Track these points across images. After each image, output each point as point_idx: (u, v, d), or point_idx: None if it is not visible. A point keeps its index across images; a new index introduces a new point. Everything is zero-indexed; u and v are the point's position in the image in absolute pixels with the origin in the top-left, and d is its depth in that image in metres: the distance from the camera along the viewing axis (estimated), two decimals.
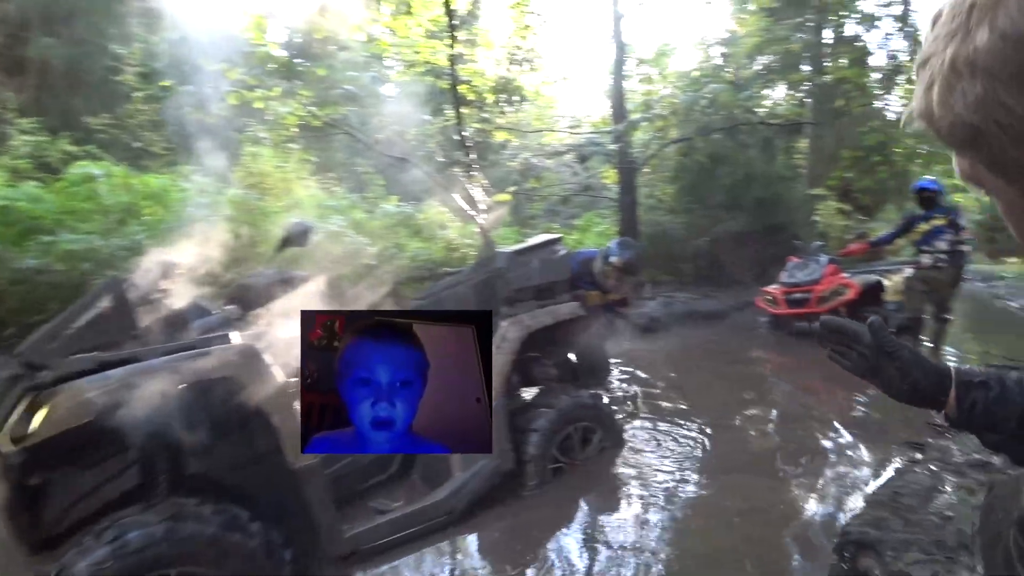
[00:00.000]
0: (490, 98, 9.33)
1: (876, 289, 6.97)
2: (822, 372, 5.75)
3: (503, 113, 10.51)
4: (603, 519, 2.80)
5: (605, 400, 3.65)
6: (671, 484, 3.10)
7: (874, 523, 2.18)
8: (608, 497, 2.99)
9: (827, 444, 3.66)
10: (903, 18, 15.34)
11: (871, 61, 14.91)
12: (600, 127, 10.72)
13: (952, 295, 6.14)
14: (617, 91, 10.05)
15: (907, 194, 15.91)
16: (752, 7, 14.00)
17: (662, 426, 4.04)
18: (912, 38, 15.56)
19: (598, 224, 14.25)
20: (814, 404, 4.57)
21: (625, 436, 3.69)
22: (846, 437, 3.76)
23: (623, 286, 4.61)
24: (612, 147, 9.33)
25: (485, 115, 10.38)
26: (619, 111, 9.99)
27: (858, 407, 4.53)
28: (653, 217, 11.50)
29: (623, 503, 2.93)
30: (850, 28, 15.01)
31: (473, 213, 7.59)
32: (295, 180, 7.56)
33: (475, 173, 7.43)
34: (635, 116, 9.85)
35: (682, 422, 4.10)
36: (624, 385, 5.25)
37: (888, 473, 3.02)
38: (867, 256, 7.86)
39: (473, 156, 7.69)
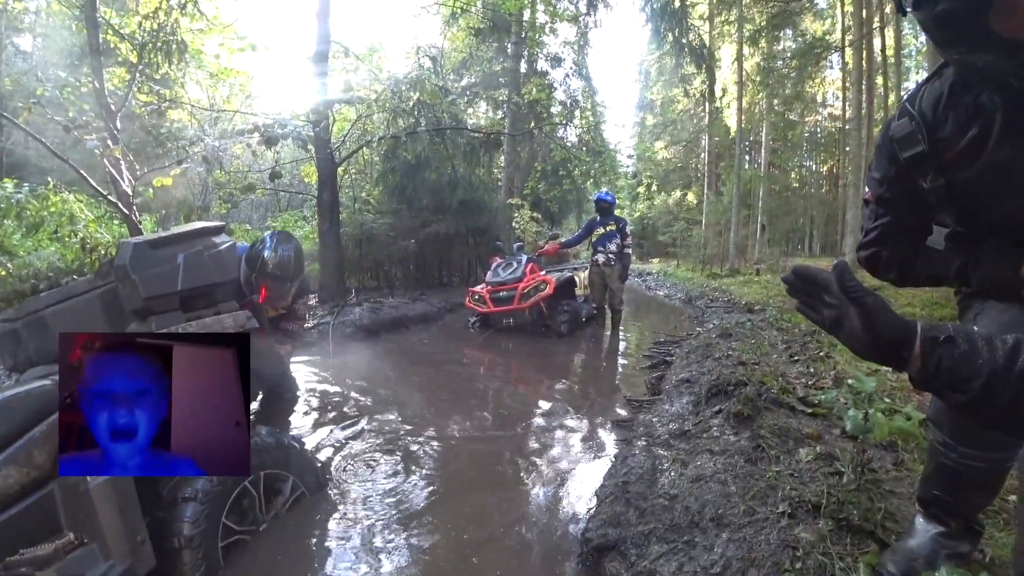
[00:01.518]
0: (161, 62, 7.28)
1: (570, 284, 7.58)
2: (531, 364, 5.91)
3: (173, 79, 8.46)
4: None
5: (291, 434, 2.66)
6: (394, 523, 2.36)
7: (612, 521, 1.89)
8: (311, 563, 2.10)
9: (550, 437, 3.44)
10: (579, 63, 17.97)
11: (555, 96, 16.96)
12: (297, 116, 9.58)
13: (621, 288, 7.10)
14: (320, 74, 9.11)
15: (584, 205, 18.81)
16: (461, 24, 14.59)
17: (378, 449, 3.29)
18: (587, 80, 18.34)
19: (301, 226, 12.95)
20: (529, 396, 4.44)
21: (331, 472, 2.85)
22: (566, 426, 3.62)
23: (280, 295, 3.47)
24: (308, 133, 8.21)
25: (155, 83, 8.30)
26: (320, 98, 9.04)
27: (567, 392, 4.61)
28: (359, 219, 10.80)
29: (333, 566, 2.09)
30: (541, 64, 16.97)
31: (115, 200, 5.64)
32: None
33: (113, 144, 5.40)
34: (335, 98, 8.91)
35: (400, 439, 3.43)
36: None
37: (610, 461, 2.86)
38: (558, 257, 8.62)
39: (116, 124, 5.68)
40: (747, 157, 21.77)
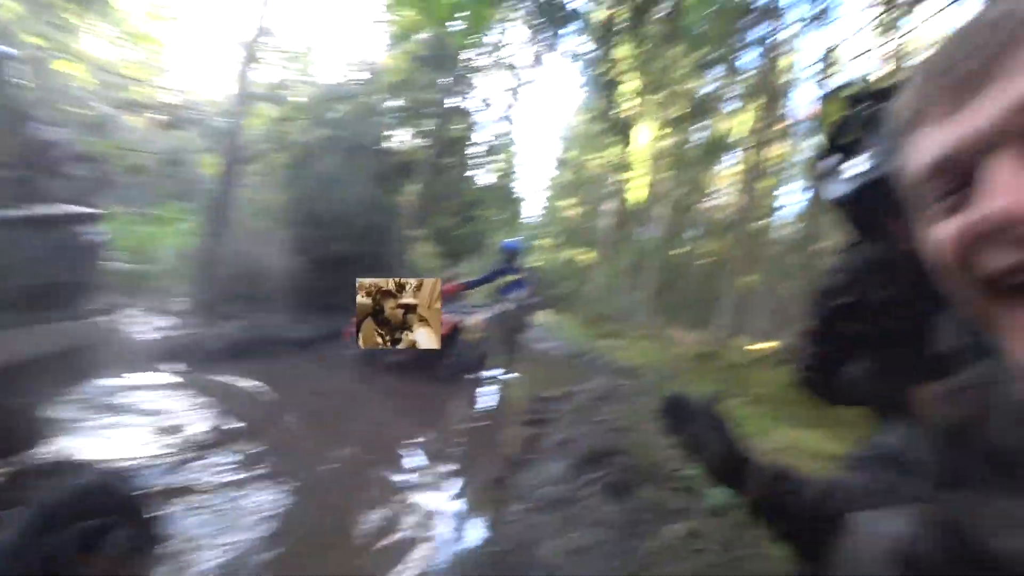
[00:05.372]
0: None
1: (460, 329, 7.39)
2: (408, 407, 5.66)
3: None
4: None
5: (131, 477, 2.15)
6: None
7: None
8: None
9: (422, 492, 3.27)
10: (509, 112, 18.51)
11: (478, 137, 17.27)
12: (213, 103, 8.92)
13: (521, 337, 7.14)
14: (246, 62, 8.52)
15: (485, 248, 18.93)
16: (406, 48, 14.49)
17: (223, 494, 2.89)
18: (512, 127, 18.92)
19: (184, 220, 11.81)
20: (402, 443, 4.22)
21: (168, 519, 2.35)
22: (440, 481, 3.48)
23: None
24: (219, 123, 7.63)
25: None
26: (241, 90, 8.47)
27: (444, 442, 4.46)
28: (253, 224, 10.01)
29: None
30: (472, 103, 17.24)
31: None
32: None
33: None
34: (258, 93, 8.43)
35: (252, 486, 3.05)
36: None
37: (485, 525, 2.78)
38: (450, 299, 8.38)
39: None
40: (646, 228, 23.21)
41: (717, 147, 17.42)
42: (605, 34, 8.82)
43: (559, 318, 21.71)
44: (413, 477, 3.56)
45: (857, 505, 0.72)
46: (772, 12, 10.60)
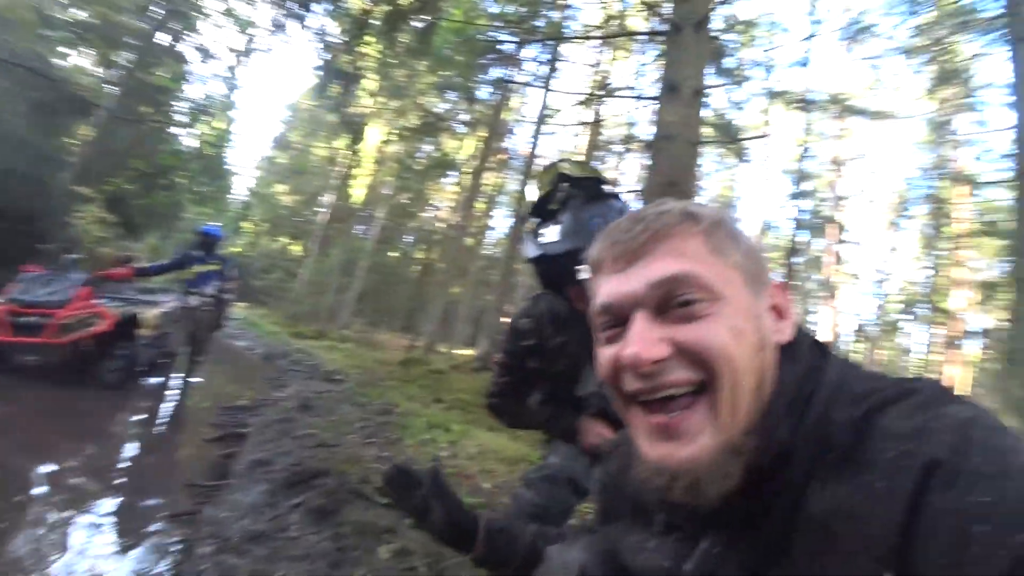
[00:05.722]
0: None
1: (132, 322, 6.15)
2: (56, 423, 4.34)
3: None
4: None
5: None
6: None
7: None
8: None
9: (70, 537, 2.46)
10: (232, 72, 16.38)
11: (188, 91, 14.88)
12: None
13: (210, 337, 6.31)
14: None
15: (176, 226, 16.32)
16: None
17: None
18: (233, 90, 16.80)
19: None
20: (45, 471, 3.17)
21: None
22: (99, 521, 2.68)
23: None
24: None
25: None
26: None
27: (105, 469, 3.51)
28: None
29: None
30: (185, 48, 14.72)
31: None
32: None
33: None
34: None
35: None
36: None
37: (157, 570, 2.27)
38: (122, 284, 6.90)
39: None
40: (362, 227, 23.03)
41: (441, 164, 18.45)
42: (356, 26, 8.49)
43: (259, 314, 19.93)
44: (57, 512, 2.71)
45: (535, 520, 0.94)
46: (512, 59, 11.81)
